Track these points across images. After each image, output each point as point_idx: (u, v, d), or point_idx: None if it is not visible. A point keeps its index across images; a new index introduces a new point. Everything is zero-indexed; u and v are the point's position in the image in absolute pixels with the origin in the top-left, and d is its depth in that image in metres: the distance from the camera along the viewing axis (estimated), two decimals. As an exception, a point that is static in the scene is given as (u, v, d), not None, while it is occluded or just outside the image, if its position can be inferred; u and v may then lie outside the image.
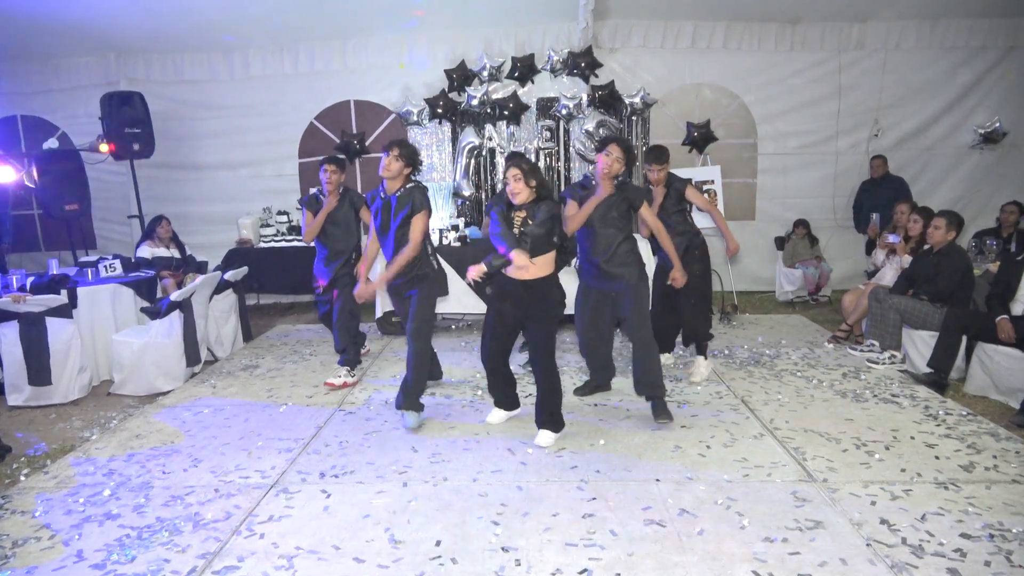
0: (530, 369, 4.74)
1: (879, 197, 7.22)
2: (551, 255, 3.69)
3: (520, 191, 3.59)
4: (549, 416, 3.80)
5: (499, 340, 3.87)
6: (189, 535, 2.92)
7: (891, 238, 5.90)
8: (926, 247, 5.25)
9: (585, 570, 2.58)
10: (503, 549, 2.74)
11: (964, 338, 4.71)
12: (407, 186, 3.99)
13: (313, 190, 5.16)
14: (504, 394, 4.13)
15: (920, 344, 4.95)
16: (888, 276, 5.74)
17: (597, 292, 4.14)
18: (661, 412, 4.03)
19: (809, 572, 2.51)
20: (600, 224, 3.95)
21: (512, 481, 3.35)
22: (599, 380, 4.61)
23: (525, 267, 3.50)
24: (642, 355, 4.04)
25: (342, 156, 4.88)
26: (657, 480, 3.30)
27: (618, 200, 3.94)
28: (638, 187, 4.24)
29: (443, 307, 6.35)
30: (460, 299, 6.15)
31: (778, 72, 7.79)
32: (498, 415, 4.16)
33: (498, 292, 3.78)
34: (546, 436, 3.78)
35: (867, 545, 2.69)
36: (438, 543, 2.79)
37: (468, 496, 3.20)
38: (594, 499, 3.13)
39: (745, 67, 7.76)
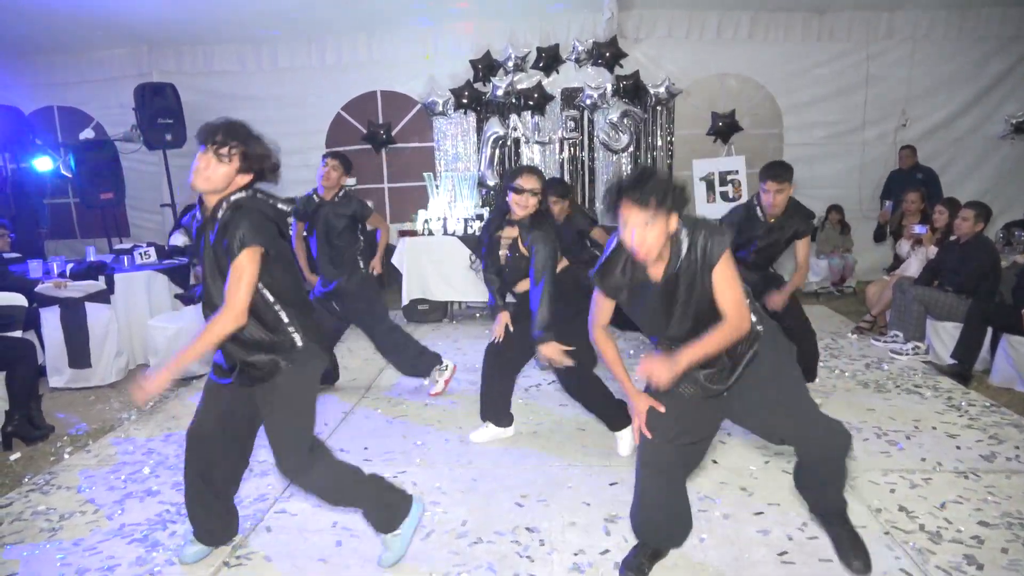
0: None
1: (908, 187, 7.15)
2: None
3: (527, 208, 3.23)
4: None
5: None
6: (226, 511, 3.03)
7: (917, 229, 5.86)
8: (952, 238, 5.23)
9: (607, 551, 2.65)
10: (528, 529, 2.82)
11: (989, 330, 4.70)
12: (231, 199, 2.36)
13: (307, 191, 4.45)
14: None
15: (944, 335, 4.94)
16: (913, 267, 5.71)
17: None
18: None
19: (828, 557, 2.56)
20: None
21: (536, 464, 3.43)
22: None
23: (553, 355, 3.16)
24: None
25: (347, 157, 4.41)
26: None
27: None
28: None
29: (470, 295, 6.41)
30: (485, 287, 6.20)
31: (804, 62, 7.73)
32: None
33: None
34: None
35: (885, 533, 2.74)
36: (464, 523, 2.89)
37: (492, 479, 3.29)
38: (616, 483, 3.20)
39: (771, 57, 7.71)
